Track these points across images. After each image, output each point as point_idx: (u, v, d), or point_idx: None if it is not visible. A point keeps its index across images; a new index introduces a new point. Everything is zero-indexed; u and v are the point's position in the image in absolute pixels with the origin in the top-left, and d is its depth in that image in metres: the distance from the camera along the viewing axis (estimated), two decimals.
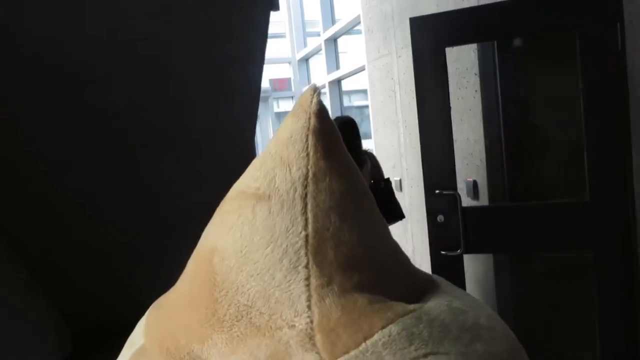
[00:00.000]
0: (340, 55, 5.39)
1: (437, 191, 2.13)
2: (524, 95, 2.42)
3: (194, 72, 1.56)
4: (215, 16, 1.39)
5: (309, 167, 0.70)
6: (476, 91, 2.45)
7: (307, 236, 0.67)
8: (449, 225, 2.11)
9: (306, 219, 0.68)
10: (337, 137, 0.75)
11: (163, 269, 2.83)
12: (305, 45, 6.48)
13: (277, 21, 7.00)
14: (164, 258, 2.70)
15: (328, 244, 0.68)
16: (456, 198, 2.10)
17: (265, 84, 6.85)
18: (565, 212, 1.99)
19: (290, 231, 0.68)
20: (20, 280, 2.46)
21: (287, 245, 0.67)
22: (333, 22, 5.30)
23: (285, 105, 8.31)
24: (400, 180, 3.55)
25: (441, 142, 2.15)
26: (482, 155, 2.47)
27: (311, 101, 0.72)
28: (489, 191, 2.47)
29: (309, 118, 0.71)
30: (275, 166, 0.72)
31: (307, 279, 0.66)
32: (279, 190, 0.70)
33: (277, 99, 7.22)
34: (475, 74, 2.44)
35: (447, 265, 2.10)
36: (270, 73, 7.04)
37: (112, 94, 1.51)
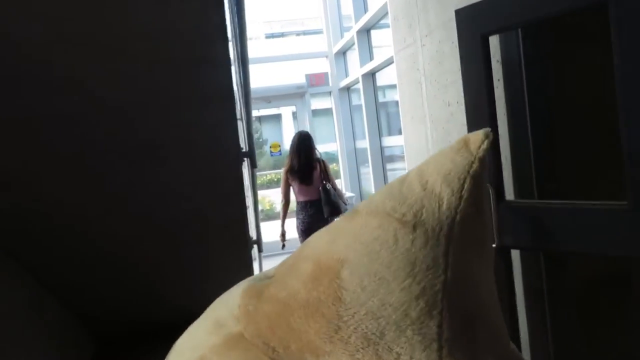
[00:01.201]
0: (375, 50, 5.14)
1: None
2: (553, 84, 2.11)
3: (152, 79, 1.42)
4: (164, 20, 1.24)
5: (458, 209, 0.69)
6: (499, 80, 2.17)
7: (445, 281, 0.66)
8: None
9: (447, 263, 0.67)
10: (487, 189, 0.75)
11: (167, 274, 2.75)
12: (342, 38, 6.27)
13: (313, 17, 6.85)
14: (167, 264, 2.64)
15: (462, 294, 0.68)
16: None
17: (301, 79, 6.70)
18: (601, 215, 1.69)
19: (431, 271, 0.66)
20: (31, 293, 2.46)
21: (425, 285, 0.65)
22: (366, 12, 5.05)
23: (322, 103, 8.14)
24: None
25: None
26: (507, 151, 2.19)
27: (480, 146, 0.70)
28: (514, 190, 2.18)
29: (473, 162, 0.70)
30: (425, 197, 0.70)
31: (440, 326, 0.65)
32: (424, 224, 0.68)
33: (314, 95, 7.05)
34: (498, 61, 2.16)
35: None
36: (306, 68, 6.89)
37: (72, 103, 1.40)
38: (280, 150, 7.26)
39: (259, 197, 7.65)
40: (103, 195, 1.91)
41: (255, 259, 4.01)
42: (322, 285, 0.69)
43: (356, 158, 6.57)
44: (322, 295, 0.69)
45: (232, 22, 1.85)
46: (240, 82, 2.34)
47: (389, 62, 4.36)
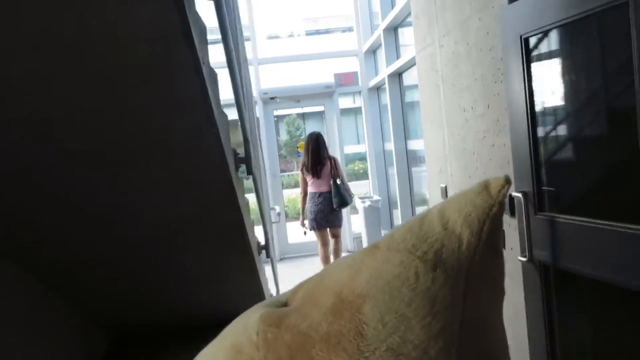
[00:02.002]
0: (402, 49, 4.97)
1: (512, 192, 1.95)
2: (564, 90, 1.93)
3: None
4: (125, 22, 1.18)
5: (477, 250, 0.70)
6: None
7: (462, 321, 0.67)
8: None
9: (464, 303, 0.69)
10: (502, 230, 0.76)
11: (168, 280, 2.73)
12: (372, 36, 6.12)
13: (344, 15, 6.73)
14: (166, 269, 2.61)
15: (477, 334, 0.69)
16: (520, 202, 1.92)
17: (329, 78, 6.59)
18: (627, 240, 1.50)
19: (450, 310, 0.67)
20: (44, 296, 2.49)
21: (444, 324, 0.66)
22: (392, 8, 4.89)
23: (349, 102, 8.00)
24: (445, 187, 3.12)
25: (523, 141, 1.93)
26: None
27: (500, 190, 0.73)
28: (524, 205, 2.01)
29: (493, 205, 0.72)
30: (446, 237, 0.71)
31: None
32: (444, 263, 0.69)
33: (342, 94, 6.93)
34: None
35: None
36: (335, 67, 6.77)
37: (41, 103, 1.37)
38: None
39: (290, 197, 7.60)
40: (92, 201, 1.89)
41: (267, 262, 3.96)
42: (344, 319, 0.70)
43: (384, 160, 6.42)
44: (344, 329, 0.70)
45: (222, 24, 1.78)
46: (243, 86, 2.28)
47: (413, 62, 4.21)
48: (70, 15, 1.14)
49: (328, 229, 5.06)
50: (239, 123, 2.12)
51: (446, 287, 0.68)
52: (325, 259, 5.17)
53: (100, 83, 1.34)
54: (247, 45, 6.79)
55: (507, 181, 0.74)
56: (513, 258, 2.14)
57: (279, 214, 5.89)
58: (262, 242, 3.15)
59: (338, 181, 4.94)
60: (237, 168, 2.15)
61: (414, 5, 3.45)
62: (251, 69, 6.59)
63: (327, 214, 4.97)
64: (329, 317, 0.73)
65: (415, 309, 0.67)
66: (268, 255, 3.19)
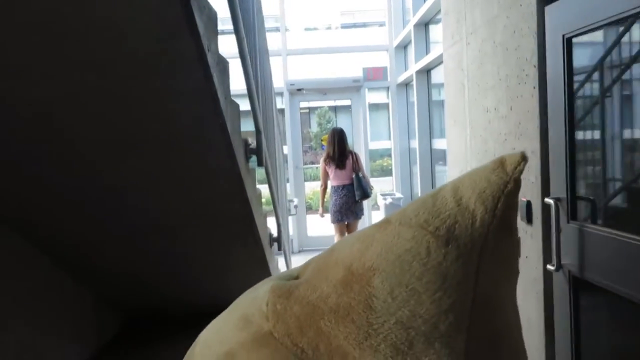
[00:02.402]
0: (432, 46, 4.86)
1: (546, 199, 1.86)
2: (601, 92, 1.82)
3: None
4: (126, 12, 1.17)
5: (490, 227, 0.69)
6: (534, 88, 1.91)
7: (474, 298, 0.67)
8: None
9: (476, 281, 0.67)
10: (517, 209, 0.74)
11: (176, 268, 2.74)
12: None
13: (382, 9, 6.61)
14: (175, 257, 2.62)
15: (490, 312, 0.68)
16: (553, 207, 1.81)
17: (357, 72, 6.51)
18: None
19: (461, 286, 0.67)
20: (57, 276, 2.55)
21: (455, 300, 0.66)
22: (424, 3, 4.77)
23: (379, 96, 7.89)
24: None
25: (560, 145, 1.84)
26: (537, 170, 1.93)
27: (516, 167, 0.72)
28: (542, 215, 1.92)
29: (508, 182, 0.70)
30: (459, 213, 0.70)
31: (467, 341, 0.66)
32: (457, 239, 0.69)
33: (371, 89, 6.84)
34: (534, 66, 1.90)
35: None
36: (365, 61, 6.68)
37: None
38: None
39: (315, 189, 7.54)
40: (101, 188, 1.90)
41: (280, 254, 3.95)
42: (353, 292, 0.70)
43: (409, 158, 6.31)
44: (353, 301, 0.69)
45: (233, 14, 1.76)
46: (258, 78, 2.25)
47: (441, 60, 4.10)
48: (71, 2, 1.13)
49: (347, 222, 5.24)
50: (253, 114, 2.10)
51: (458, 263, 0.67)
52: None
53: (101, 71, 1.33)
54: (277, 37, 6.77)
55: (523, 158, 0.72)
56: (529, 268, 2.06)
57: (296, 206, 5.87)
58: (275, 234, 3.14)
59: (360, 174, 5.14)
60: (248, 159, 2.13)
61: (444, 1, 3.35)
62: (279, 59, 6.57)
63: (350, 206, 5.18)
64: (338, 289, 0.73)
65: (426, 283, 0.66)
66: (280, 248, 3.17)
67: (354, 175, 5.12)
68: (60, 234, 2.29)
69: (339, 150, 5.11)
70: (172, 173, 1.84)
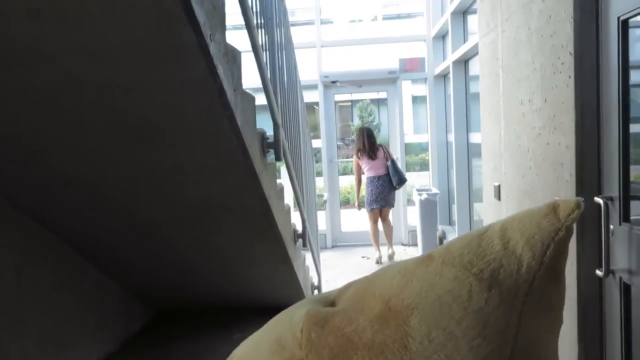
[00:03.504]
0: (471, 37, 4.65)
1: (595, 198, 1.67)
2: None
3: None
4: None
5: (537, 274, 0.67)
6: (570, 77, 1.76)
7: (514, 346, 0.64)
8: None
9: (518, 328, 0.65)
10: (566, 257, 0.71)
11: (196, 261, 2.73)
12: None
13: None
14: (194, 251, 2.61)
15: None
16: (600, 207, 1.63)
17: (394, 64, 6.35)
18: None
19: (502, 334, 0.64)
20: (84, 270, 2.59)
21: (494, 348, 0.63)
22: None
23: (417, 89, 7.67)
24: (499, 187, 2.87)
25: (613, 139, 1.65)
26: (572, 167, 1.78)
27: (570, 215, 0.69)
28: (604, 214, 1.77)
29: (560, 229, 0.68)
30: (505, 257, 0.68)
31: None
32: (500, 284, 0.66)
33: (408, 80, 6.66)
34: (570, 54, 1.75)
35: None
36: (405, 52, 6.50)
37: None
38: None
39: (352, 183, 7.46)
40: (117, 179, 1.90)
41: (307, 250, 3.90)
42: (390, 329, 0.68)
43: (447, 152, 6.12)
44: (389, 339, 0.68)
45: (243, 6, 1.71)
46: (272, 70, 2.19)
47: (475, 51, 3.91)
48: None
49: (380, 209, 5.58)
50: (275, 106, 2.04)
51: (500, 310, 0.64)
52: (376, 235, 5.71)
53: (104, 59, 1.30)
54: (311, 29, 6.69)
55: (578, 206, 0.69)
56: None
57: (325, 201, 5.80)
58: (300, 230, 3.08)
59: (394, 160, 5.54)
60: (265, 153, 2.07)
61: None
62: (313, 51, 6.50)
63: (385, 195, 5.50)
64: (374, 325, 0.71)
65: (465, 328, 0.63)
66: (305, 244, 3.11)
67: (389, 163, 5.44)
68: (83, 225, 2.32)
69: (369, 143, 5.46)
70: (181, 166, 1.82)
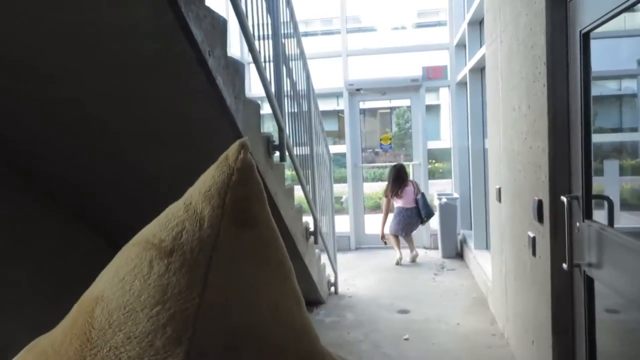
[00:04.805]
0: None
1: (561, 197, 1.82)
2: (607, 90, 1.78)
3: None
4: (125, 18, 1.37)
5: (220, 226, 0.62)
6: (544, 85, 1.91)
7: (199, 304, 0.60)
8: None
9: (204, 285, 0.60)
10: (259, 199, 0.64)
11: None
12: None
13: (439, 9, 6.54)
14: None
15: (220, 317, 0.61)
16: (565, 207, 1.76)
17: (417, 71, 6.49)
18: None
19: (184, 294, 0.60)
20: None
21: (175, 311, 0.59)
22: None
23: (430, 97, 7.73)
24: (499, 189, 3.00)
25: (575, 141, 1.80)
26: (547, 168, 1.92)
27: (237, 157, 0.64)
28: (550, 214, 1.91)
29: (232, 174, 0.63)
30: (187, 219, 0.64)
31: (188, 352, 0.59)
32: (183, 246, 0.61)
33: (431, 88, 6.78)
34: (544, 64, 1.89)
35: None
36: (430, 61, 6.63)
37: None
38: (390, 144, 7.15)
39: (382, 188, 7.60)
40: (135, 176, 2.16)
41: (322, 250, 4.08)
42: (76, 328, 0.64)
43: (469, 158, 6.20)
44: (74, 337, 0.63)
45: (240, 20, 1.91)
46: (276, 81, 2.41)
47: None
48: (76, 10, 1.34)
49: (404, 235, 5.95)
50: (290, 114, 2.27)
51: (182, 271, 0.59)
52: (397, 240, 5.99)
53: (111, 72, 1.55)
54: (336, 38, 6.91)
55: (243, 145, 0.65)
56: (543, 267, 2.04)
57: (342, 202, 5.95)
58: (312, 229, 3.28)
59: (423, 192, 5.94)
60: (270, 154, 2.29)
61: None
62: (339, 60, 6.72)
63: (412, 226, 5.96)
64: (66, 328, 0.66)
65: (145, 300, 0.60)
66: (317, 242, 3.31)
67: (418, 197, 5.88)
68: (110, 216, 2.59)
69: (395, 185, 5.94)
70: (186, 170, 2.05)
